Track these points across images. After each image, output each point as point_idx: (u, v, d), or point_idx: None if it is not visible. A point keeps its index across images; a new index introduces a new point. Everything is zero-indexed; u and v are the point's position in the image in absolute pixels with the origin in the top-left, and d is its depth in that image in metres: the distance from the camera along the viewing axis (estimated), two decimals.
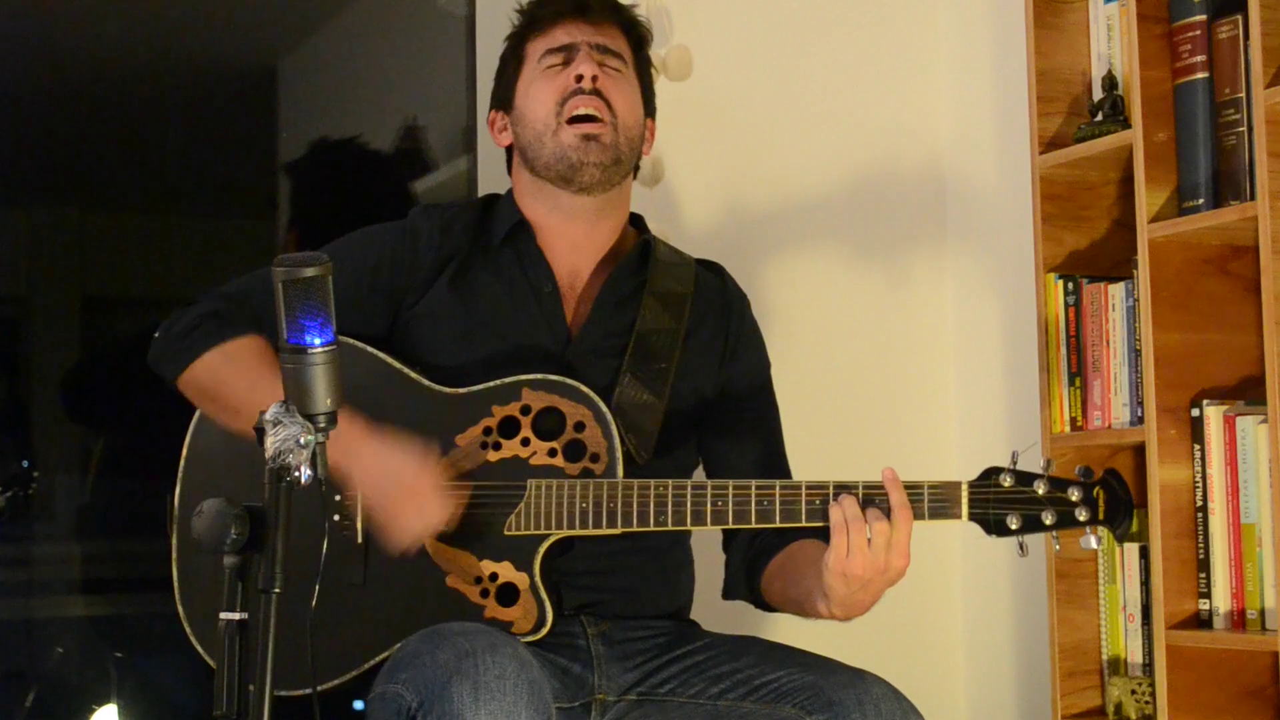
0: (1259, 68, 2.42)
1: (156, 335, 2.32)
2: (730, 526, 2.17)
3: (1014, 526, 2.12)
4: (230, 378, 2.24)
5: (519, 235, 2.38)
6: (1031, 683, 3.04)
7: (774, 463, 2.42)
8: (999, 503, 2.12)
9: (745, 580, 2.36)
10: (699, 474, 2.42)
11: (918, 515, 2.11)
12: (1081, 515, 2.11)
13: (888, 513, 2.09)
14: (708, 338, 2.42)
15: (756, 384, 2.45)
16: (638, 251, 2.42)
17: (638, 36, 2.45)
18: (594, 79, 2.33)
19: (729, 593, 2.40)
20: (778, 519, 2.15)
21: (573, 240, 2.39)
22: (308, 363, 1.75)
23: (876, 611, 3.09)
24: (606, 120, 2.33)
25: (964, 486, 2.12)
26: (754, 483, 2.16)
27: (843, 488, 2.12)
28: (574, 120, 2.32)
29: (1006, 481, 2.12)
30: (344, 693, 2.26)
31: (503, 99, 2.44)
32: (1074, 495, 2.11)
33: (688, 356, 2.37)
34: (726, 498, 2.16)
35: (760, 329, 2.50)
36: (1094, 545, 2.13)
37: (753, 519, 2.16)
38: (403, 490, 2.17)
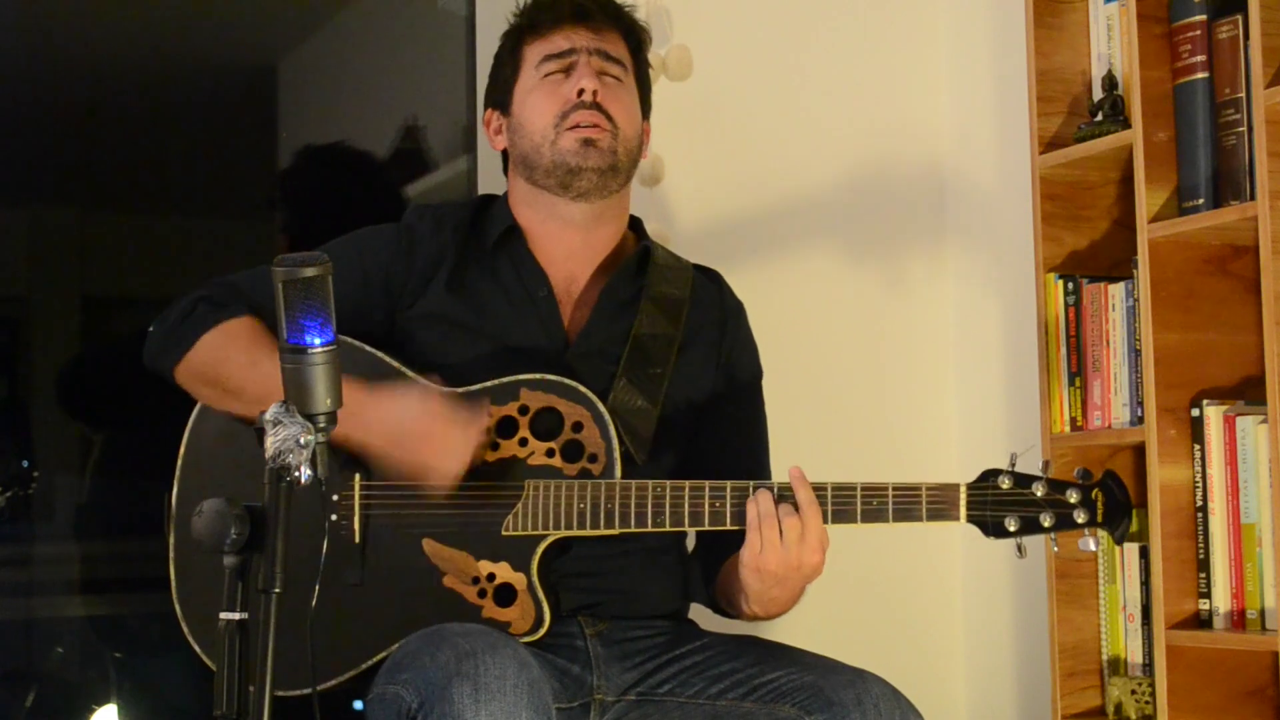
0: (1259, 68, 2.42)
1: (151, 330, 2.32)
2: (728, 528, 2.17)
3: (1012, 528, 2.12)
4: (230, 355, 2.23)
5: (510, 240, 2.38)
6: (1031, 683, 3.03)
7: (756, 469, 2.41)
8: (997, 505, 2.12)
9: (703, 584, 2.37)
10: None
11: (915, 517, 2.12)
12: (1080, 517, 2.11)
13: (798, 509, 2.10)
14: (705, 348, 2.41)
15: (745, 391, 2.45)
16: (636, 258, 2.41)
17: (637, 40, 2.44)
18: (595, 93, 2.32)
19: (694, 596, 2.40)
20: None
21: (569, 247, 2.38)
22: (308, 363, 1.75)
23: (877, 611, 3.13)
24: (606, 129, 2.33)
25: (962, 488, 2.12)
26: (751, 484, 2.15)
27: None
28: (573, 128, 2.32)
29: (1005, 483, 2.12)
30: (343, 693, 2.26)
31: (499, 100, 2.43)
32: (1072, 497, 2.12)
33: (684, 365, 2.37)
34: (724, 498, 2.16)
35: (754, 338, 2.49)
36: (1092, 548, 2.14)
37: None
38: (420, 429, 2.16)
